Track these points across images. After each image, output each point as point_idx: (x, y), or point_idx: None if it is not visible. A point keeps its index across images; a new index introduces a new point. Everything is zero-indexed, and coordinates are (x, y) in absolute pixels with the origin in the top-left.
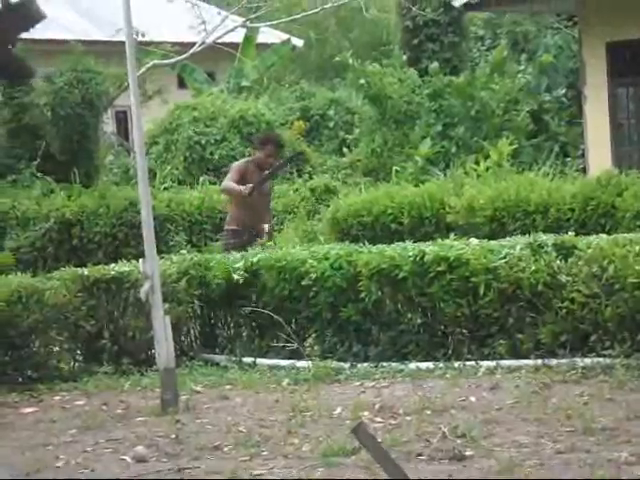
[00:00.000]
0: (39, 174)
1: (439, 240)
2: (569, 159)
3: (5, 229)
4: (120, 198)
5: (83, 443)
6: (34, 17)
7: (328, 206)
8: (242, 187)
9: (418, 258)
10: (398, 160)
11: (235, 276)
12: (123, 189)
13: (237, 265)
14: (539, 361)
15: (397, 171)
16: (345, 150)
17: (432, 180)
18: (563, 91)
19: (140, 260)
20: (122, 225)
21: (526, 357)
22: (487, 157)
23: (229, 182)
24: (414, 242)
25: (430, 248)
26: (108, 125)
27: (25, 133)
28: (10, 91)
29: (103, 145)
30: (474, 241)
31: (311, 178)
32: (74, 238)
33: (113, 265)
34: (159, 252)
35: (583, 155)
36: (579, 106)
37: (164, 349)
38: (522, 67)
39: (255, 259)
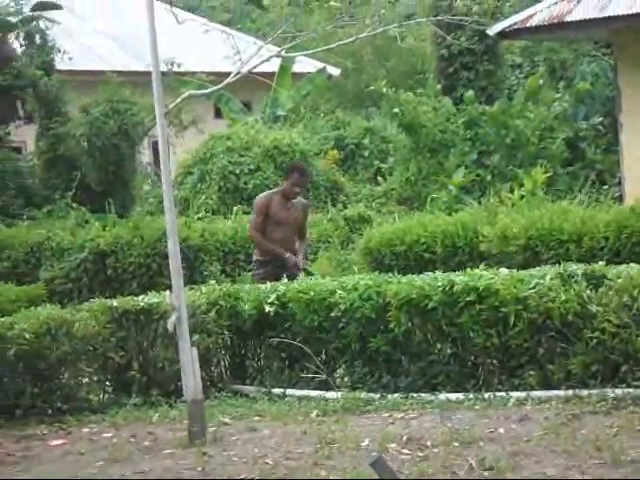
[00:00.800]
0: (74, 204)
1: (469, 270)
2: (606, 187)
3: (40, 260)
4: (154, 228)
5: (110, 476)
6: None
7: (362, 235)
8: (287, 254)
9: (447, 288)
10: (433, 189)
11: (267, 307)
12: (157, 219)
13: (270, 297)
14: (570, 392)
15: (432, 200)
16: (380, 179)
17: (465, 209)
18: (600, 119)
19: (167, 291)
20: (156, 255)
21: (557, 388)
22: (522, 185)
23: (257, 235)
24: (447, 271)
25: (459, 278)
26: (145, 155)
27: (61, 164)
28: (47, 122)
29: (139, 175)
30: (504, 271)
31: (345, 207)
32: (109, 268)
33: (142, 296)
34: (193, 282)
35: (620, 183)
36: (616, 134)
37: (191, 381)
38: (559, 95)
39: (284, 290)
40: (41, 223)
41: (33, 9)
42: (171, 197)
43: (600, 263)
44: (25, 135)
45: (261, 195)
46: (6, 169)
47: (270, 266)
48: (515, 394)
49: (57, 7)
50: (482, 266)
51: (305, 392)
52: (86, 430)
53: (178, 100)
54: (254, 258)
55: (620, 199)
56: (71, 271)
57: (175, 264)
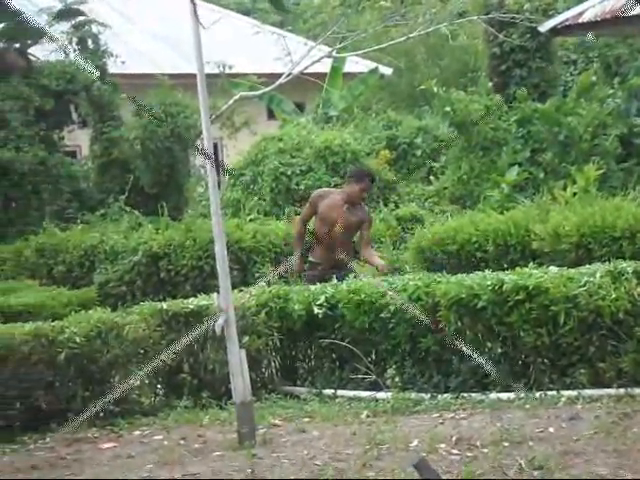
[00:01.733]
0: (127, 208)
1: (518, 268)
2: None
3: (94, 263)
4: (206, 231)
5: (159, 478)
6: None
7: (414, 235)
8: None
9: (497, 287)
10: (485, 187)
11: (315, 309)
12: (209, 222)
13: (319, 298)
14: (621, 390)
15: (485, 198)
16: (432, 178)
17: (518, 207)
18: None
19: (214, 294)
20: (208, 257)
21: (608, 386)
22: (574, 183)
23: (300, 226)
24: (499, 270)
25: (509, 277)
26: (198, 157)
27: (115, 167)
28: (100, 126)
29: (193, 177)
30: (553, 269)
31: (397, 207)
32: (162, 271)
33: (192, 299)
34: (246, 284)
35: None
36: None
37: (240, 383)
38: (612, 91)
39: (333, 292)
40: (95, 226)
41: (57, 17)
42: (217, 200)
43: None
44: (79, 139)
45: (320, 189)
46: (61, 174)
47: (320, 267)
48: (566, 393)
49: (81, 14)
50: (532, 264)
51: (356, 393)
52: (137, 433)
53: (230, 102)
54: (309, 258)
55: None
56: (125, 274)
57: (222, 266)
